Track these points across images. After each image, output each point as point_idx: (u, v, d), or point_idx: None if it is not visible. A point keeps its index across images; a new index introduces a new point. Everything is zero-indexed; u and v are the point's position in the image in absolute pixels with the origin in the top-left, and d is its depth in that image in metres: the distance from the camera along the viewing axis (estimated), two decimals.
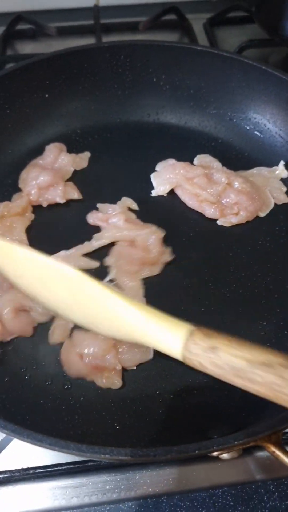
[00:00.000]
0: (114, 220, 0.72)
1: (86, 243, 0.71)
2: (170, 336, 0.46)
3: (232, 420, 0.55)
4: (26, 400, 0.58)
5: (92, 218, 0.74)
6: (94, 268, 0.69)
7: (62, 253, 0.69)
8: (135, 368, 0.61)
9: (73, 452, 0.44)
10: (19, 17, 1.08)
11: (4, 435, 0.58)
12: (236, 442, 0.45)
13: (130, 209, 0.75)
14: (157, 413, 0.58)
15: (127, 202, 0.76)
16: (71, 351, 0.59)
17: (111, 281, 0.67)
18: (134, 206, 0.75)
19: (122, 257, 0.68)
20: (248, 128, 0.85)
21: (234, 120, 0.85)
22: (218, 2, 1.23)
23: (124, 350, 0.59)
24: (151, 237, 0.68)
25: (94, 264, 0.69)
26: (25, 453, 0.59)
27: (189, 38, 1.13)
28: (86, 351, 0.57)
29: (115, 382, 0.58)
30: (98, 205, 0.75)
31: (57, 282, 0.52)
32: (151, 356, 0.62)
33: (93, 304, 0.50)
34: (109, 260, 0.69)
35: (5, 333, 0.62)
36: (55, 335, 0.62)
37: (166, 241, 0.71)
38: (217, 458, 0.57)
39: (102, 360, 0.57)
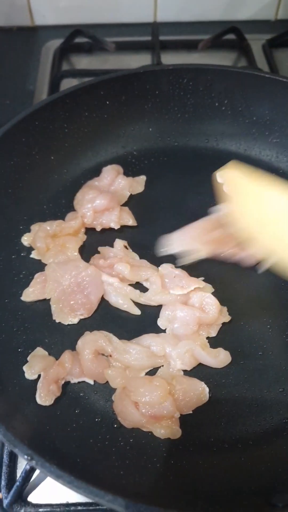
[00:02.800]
0: (120, 268, 0.67)
1: (137, 291, 0.67)
2: None
3: None
4: (76, 439, 0.56)
5: (94, 263, 0.69)
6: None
7: (108, 278, 0.67)
8: (191, 412, 0.58)
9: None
10: (78, 31, 1.07)
11: None
12: None
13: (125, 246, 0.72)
14: (213, 464, 0.54)
15: (121, 243, 0.72)
16: (126, 400, 0.55)
17: None
18: (125, 244, 0.72)
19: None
20: None
21: None
22: (277, 22, 1.20)
23: (180, 395, 0.56)
24: (205, 296, 0.63)
25: (136, 311, 0.66)
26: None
27: (247, 59, 1.10)
28: (143, 399, 0.54)
29: (175, 432, 0.55)
30: (100, 248, 0.72)
31: None
32: (207, 398, 0.59)
33: None
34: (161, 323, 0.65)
35: (75, 373, 0.59)
36: (117, 379, 0.58)
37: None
38: None
39: (160, 408, 0.54)
